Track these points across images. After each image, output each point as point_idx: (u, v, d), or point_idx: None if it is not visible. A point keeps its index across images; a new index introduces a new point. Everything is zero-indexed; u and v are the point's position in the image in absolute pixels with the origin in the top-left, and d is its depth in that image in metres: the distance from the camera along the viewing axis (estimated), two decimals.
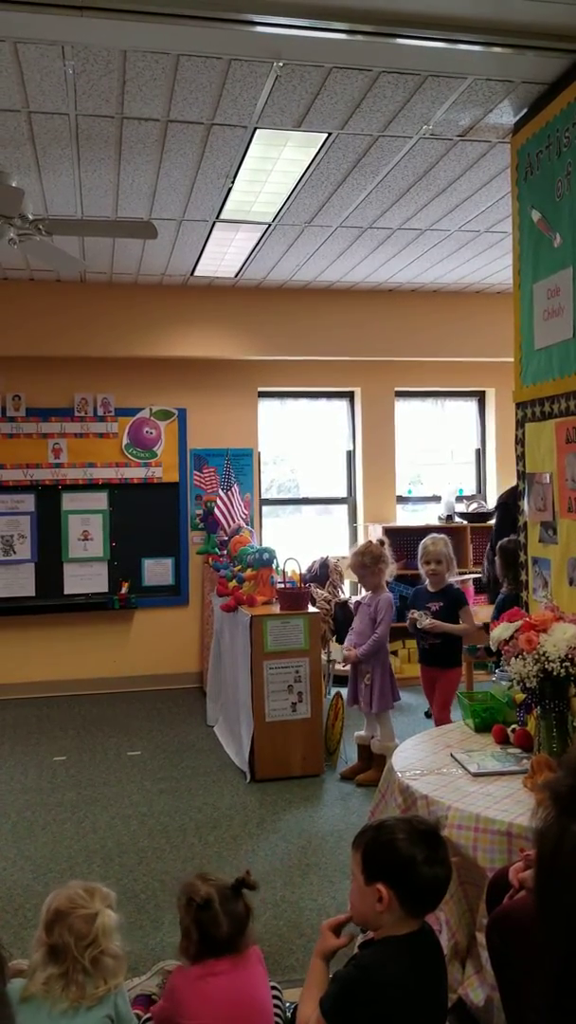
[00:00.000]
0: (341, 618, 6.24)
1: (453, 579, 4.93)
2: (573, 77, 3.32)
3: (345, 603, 6.45)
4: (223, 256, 6.06)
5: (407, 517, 8.10)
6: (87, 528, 7.27)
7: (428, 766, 2.98)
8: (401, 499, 8.11)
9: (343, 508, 8.12)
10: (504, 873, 2.33)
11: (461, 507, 7.82)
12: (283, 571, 5.52)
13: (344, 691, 5.31)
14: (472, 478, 8.39)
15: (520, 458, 3.74)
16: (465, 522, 7.68)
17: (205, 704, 6.45)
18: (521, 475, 3.74)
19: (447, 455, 8.40)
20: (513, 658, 2.84)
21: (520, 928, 2.00)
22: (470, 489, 8.25)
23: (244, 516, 7.06)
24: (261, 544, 6.76)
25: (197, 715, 6.46)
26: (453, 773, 2.90)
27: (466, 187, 4.76)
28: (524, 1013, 1.97)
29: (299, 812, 4.55)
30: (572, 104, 3.32)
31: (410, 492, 8.24)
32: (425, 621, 4.65)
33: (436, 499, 8.14)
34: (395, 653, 6.72)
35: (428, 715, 5.46)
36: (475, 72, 3.40)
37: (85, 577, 7.26)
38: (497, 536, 5.32)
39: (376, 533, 7.19)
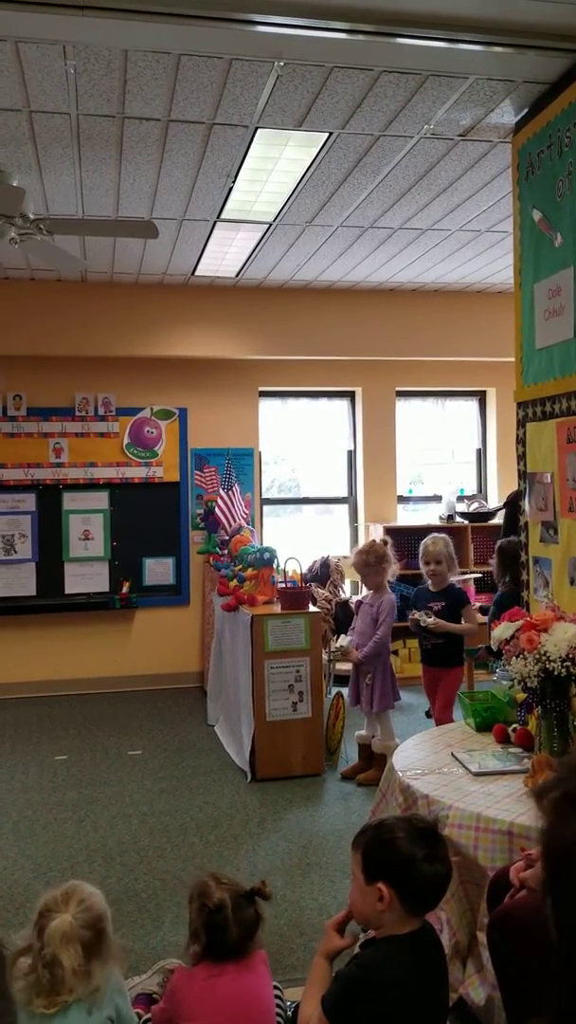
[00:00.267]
0: (342, 617, 6.25)
1: (455, 579, 4.93)
2: (574, 77, 3.32)
3: (346, 602, 6.46)
4: (224, 256, 6.06)
5: (408, 517, 8.10)
6: (88, 527, 7.27)
7: (429, 765, 2.98)
8: (402, 499, 8.11)
9: (344, 508, 8.13)
10: (505, 872, 2.34)
11: (462, 507, 7.82)
12: (284, 570, 5.52)
13: (345, 691, 5.31)
14: (473, 478, 8.39)
15: (521, 458, 3.74)
16: (466, 522, 7.68)
17: (206, 703, 6.45)
18: (522, 475, 3.74)
19: (448, 455, 8.40)
20: (514, 658, 2.85)
21: (521, 927, 2.00)
22: (471, 489, 8.25)
23: (245, 516, 7.07)
24: (262, 544, 6.77)
25: (198, 714, 6.46)
26: (454, 772, 2.90)
27: (467, 187, 4.76)
28: (525, 1012, 1.96)
29: (300, 811, 4.55)
30: (573, 104, 3.32)
31: (411, 492, 8.24)
32: (428, 620, 4.64)
33: (437, 499, 8.15)
34: (395, 653, 6.72)
35: (428, 715, 5.46)
36: (476, 72, 3.40)
37: (86, 576, 7.26)
38: (505, 533, 5.31)
39: (377, 533, 7.19)
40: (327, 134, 4.03)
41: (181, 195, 4.81)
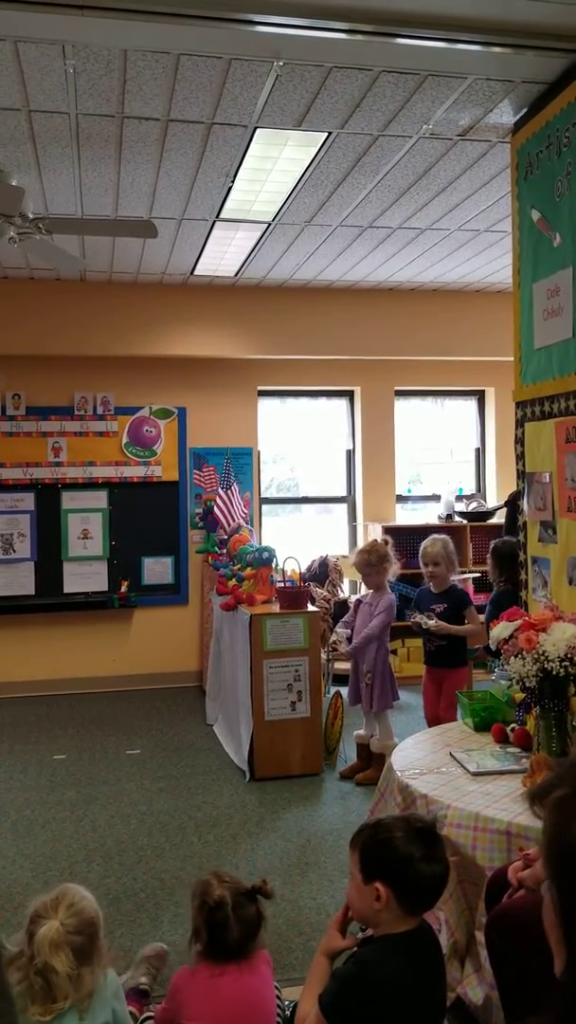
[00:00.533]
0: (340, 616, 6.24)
1: (456, 579, 4.91)
2: (573, 77, 3.32)
3: (344, 602, 6.46)
4: (223, 255, 6.06)
5: (407, 516, 8.10)
6: (87, 527, 7.27)
7: (427, 765, 2.99)
8: (401, 498, 8.11)
9: (343, 507, 8.13)
10: (503, 872, 2.34)
11: (461, 506, 7.82)
12: (282, 570, 5.52)
13: (344, 690, 5.31)
14: (472, 477, 8.40)
15: (520, 457, 3.75)
16: (465, 521, 7.68)
17: (204, 703, 6.45)
18: (521, 474, 3.74)
19: (447, 454, 8.40)
20: (512, 657, 2.85)
21: (519, 927, 2.00)
22: (470, 488, 8.25)
23: (244, 515, 7.07)
24: (261, 543, 6.77)
25: (196, 714, 6.46)
26: (452, 772, 2.91)
27: (466, 186, 4.76)
28: (523, 1012, 1.97)
29: (298, 811, 4.55)
30: (572, 104, 3.33)
31: (410, 491, 8.24)
32: (430, 623, 4.63)
33: (436, 498, 8.15)
34: (395, 652, 6.72)
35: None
36: (475, 72, 3.40)
37: (85, 576, 7.26)
38: (507, 533, 5.31)
39: (376, 532, 7.19)
40: (326, 134, 4.03)
41: (180, 195, 4.81)
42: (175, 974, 2.35)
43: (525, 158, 3.72)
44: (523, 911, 2.03)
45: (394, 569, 5.08)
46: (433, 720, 4.63)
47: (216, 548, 6.88)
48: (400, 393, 8.07)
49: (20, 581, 7.13)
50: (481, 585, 7.24)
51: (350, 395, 8.06)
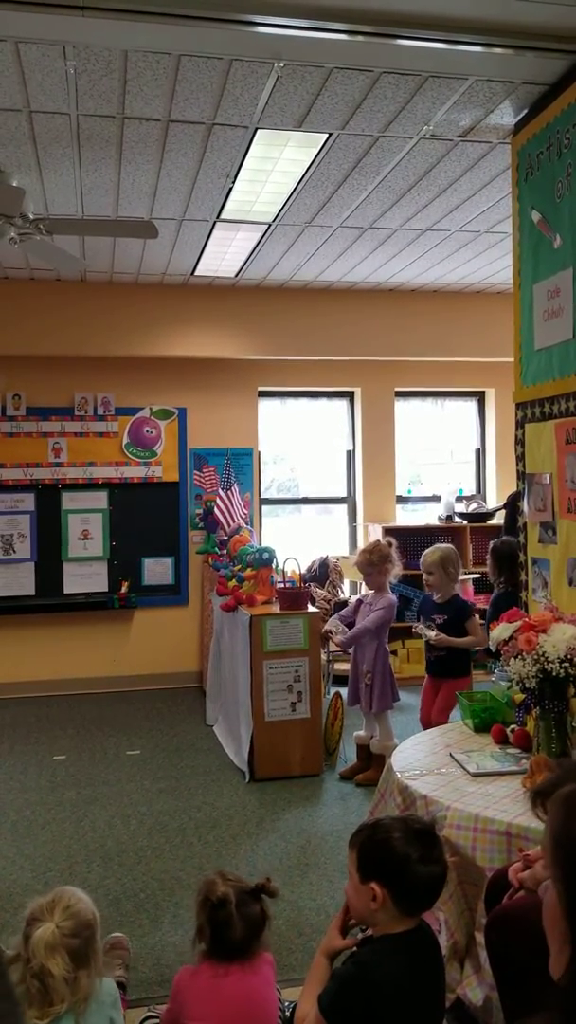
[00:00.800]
0: None
1: (457, 588, 4.84)
2: (573, 78, 3.32)
3: (344, 602, 6.46)
4: (223, 256, 6.06)
5: (407, 517, 8.10)
6: (87, 527, 7.27)
7: (427, 766, 2.99)
8: (401, 499, 8.12)
9: (343, 508, 8.13)
10: (503, 873, 2.34)
11: (461, 507, 7.82)
12: (283, 571, 5.52)
13: (344, 691, 5.31)
14: (472, 478, 8.40)
15: (520, 458, 3.75)
16: (465, 522, 7.68)
17: (204, 703, 6.45)
18: (521, 475, 3.74)
19: (447, 455, 8.40)
20: (512, 658, 2.85)
21: (519, 928, 2.00)
22: (470, 489, 8.26)
23: (244, 515, 7.07)
24: (261, 543, 6.77)
25: (196, 714, 6.46)
26: (452, 773, 2.90)
27: (466, 188, 4.76)
28: (523, 1012, 1.97)
29: (298, 812, 4.55)
30: (573, 105, 3.33)
31: (410, 492, 8.24)
32: (430, 635, 4.60)
33: (436, 499, 8.15)
34: (395, 653, 6.72)
35: None
36: (475, 73, 3.41)
37: (85, 576, 7.27)
38: (506, 534, 5.30)
39: (376, 533, 7.19)
40: (327, 135, 4.03)
41: (181, 195, 4.81)
42: (176, 974, 2.34)
43: (525, 159, 3.72)
44: (523, 912, 2.03)
45: (396, 570, 5.06)
46: (426, 724, 4.59)
47: (216, 549, 6.88)
48: (400, 394, 8.07)
49: (20, 581, 7.13)
50: (481, 586, 7.24)
51: (350, 396, 8.07)
